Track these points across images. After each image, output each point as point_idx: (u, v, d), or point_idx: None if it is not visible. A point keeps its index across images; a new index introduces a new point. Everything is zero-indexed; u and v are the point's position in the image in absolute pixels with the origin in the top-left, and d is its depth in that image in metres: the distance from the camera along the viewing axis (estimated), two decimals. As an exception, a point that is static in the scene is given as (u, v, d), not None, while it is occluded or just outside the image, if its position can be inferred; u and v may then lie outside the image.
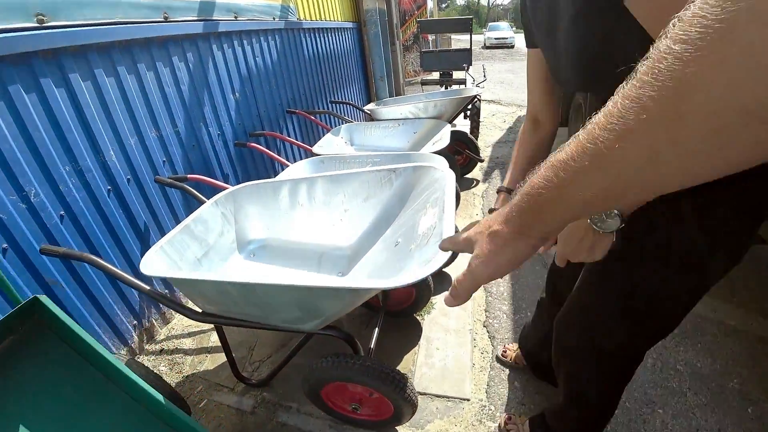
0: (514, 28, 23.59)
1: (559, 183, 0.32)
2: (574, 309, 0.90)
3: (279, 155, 2.82)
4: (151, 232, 1.85)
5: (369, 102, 5.26)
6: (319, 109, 3.57)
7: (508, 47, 18.97)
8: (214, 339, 1.84)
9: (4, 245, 1.29)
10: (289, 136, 2.99)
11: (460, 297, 0.46)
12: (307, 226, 1.54)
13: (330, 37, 3.93)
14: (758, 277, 1.90)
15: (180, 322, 2.00)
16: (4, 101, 1.28)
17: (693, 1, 0.22)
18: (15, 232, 1.31)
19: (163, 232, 1.90)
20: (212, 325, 1.90)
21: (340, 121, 3.27)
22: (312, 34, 3.50)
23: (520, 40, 23.23)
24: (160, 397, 1.04)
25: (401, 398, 1.09)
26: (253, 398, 1.52)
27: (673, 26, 0.23)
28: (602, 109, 0.28)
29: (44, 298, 1.00)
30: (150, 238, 1.84)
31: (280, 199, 1.53)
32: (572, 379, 1.01)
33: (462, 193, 2.93)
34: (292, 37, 3.13)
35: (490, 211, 0.76)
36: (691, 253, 0.65)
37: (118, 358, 1.28)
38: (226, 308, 1.13)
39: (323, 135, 2.82)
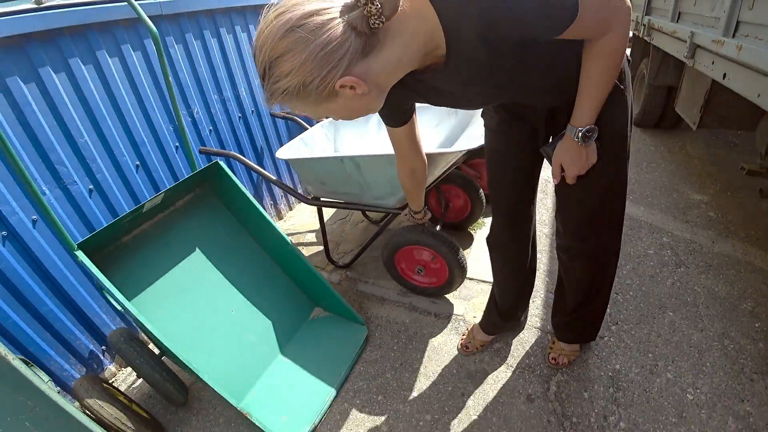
0: None
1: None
2: (582, 217, 1.05)
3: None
4: (264, 150, 2.39)
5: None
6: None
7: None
8: (308, 238, 2.37)
9: (176, 144, 1.86)
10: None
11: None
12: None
13: None
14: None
15: (284, 223, 2.56)
16: (183, 47, 1.82)
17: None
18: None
19: (271, 151, 2.44)
20: (308, 228, 2.44)
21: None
22: None
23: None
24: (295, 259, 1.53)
25: (456, 262, 1.49)
26: (339, 275, 2.02)
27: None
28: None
29: (222, 164, 1.48)
30: (264, 155, 2.38)
31: (369, 126, 1.96)
32: (586, 278, 1.18)
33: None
34: None
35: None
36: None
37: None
38: (331, 188, 1.59)
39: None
